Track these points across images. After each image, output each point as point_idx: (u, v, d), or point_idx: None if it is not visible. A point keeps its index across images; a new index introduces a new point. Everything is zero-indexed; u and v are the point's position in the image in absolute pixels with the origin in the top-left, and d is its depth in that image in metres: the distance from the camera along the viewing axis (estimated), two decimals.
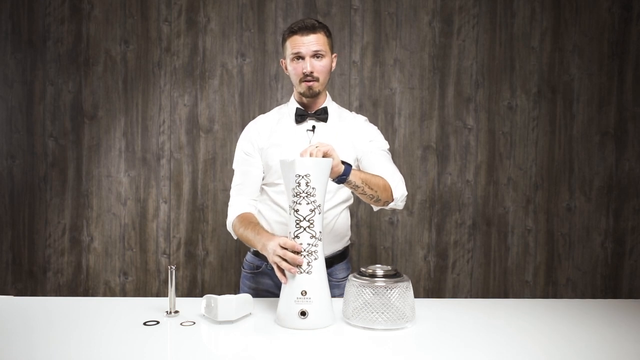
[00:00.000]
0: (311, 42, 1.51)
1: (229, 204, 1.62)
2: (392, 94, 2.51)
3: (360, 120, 1.67)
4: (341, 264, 1.66)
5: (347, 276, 1.66)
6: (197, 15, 2.50)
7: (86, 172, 2.52)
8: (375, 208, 1.55)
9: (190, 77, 2.51)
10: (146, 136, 2.52)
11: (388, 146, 1.64)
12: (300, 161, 1.20)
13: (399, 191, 1.50)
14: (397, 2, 2.49)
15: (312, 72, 1.51)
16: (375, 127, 1.67)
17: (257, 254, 1.65)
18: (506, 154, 2.51)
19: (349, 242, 1.71)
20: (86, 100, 2.51)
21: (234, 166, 1.66)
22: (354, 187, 1.39)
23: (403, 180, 1.54)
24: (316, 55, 1.52)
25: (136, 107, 2.52)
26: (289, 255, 1.22)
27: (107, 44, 2.50)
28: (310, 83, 1.53)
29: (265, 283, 1.64)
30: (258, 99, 2.51)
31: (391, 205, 1.51)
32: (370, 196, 1.43)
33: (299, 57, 1.52)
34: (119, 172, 2.52)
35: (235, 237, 1.60)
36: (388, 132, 2.50)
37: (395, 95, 2.51)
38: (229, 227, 1.60)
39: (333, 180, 1.34)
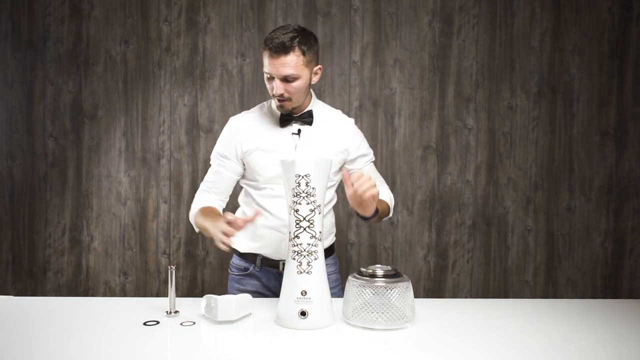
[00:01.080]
0: (282, 64, 1.40)
1: (196, 196, 1.60)
2: (392, 94, 2.51)
3: (351, 125, 1.64)
4: (329, 259, 1.68)
5: (336, 270, 1.72)
6: (197, 15, 2.50)
7: (86, 172, 2.52)
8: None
9: (190, 77, 2.51)
10: (146, 136, 2.52)
11: (373, 155, 1.73)
12: (300, 161, 1.20)
13: (392, 204, 1.67)
14: (397, 2, 2.49)
15: (282, 94, 1.45)
16: (362, 134, 1.69)
17: (242, 256, 1.65)
18: (506, 154, 2.51)
19: (335, 238, 1.73)
20: (86, 100, 2.51)
21: (211, 158, 1.63)
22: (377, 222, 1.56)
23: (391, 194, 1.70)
24: (287, 79, 1.43)
25: (136, 107, 2.52)
26: (224, 227, 1.25)
27: (107, 44, 2.50)
28: (282, 102, 1.48)
29: (252, 284, 1.64)
30: (258, 99, 2.51)
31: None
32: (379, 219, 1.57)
33: (270, 76, 1.45)
34: (119, 172, 2.52)
35: (197, 230, 1.57)
36: (388, 132, 2.50)
37: (395, 95, 2.51)
38: (191, 219, 1.56)
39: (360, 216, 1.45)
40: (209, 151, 2.51)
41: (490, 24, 2.49)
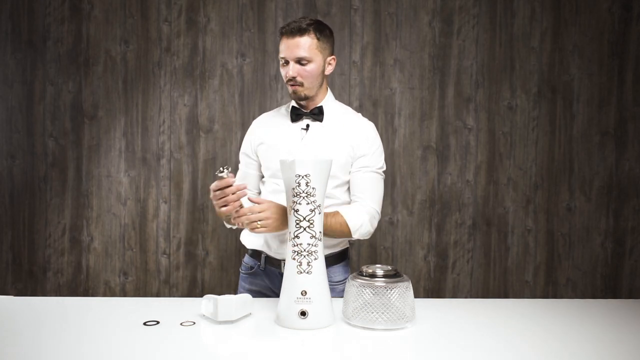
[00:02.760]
0: (295, 46, 1.46)
1: None
2: (392, 94, 2.51)
3: (365, 125, 1.59)
4: (338, 266, 1.62)
5: (345, 280, 1.59)
6: (197, 15, 2.50)
7: (86, 172, 2.52)
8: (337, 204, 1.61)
9: (190, 77, 2.51)
10: (146, 136, 2.52)
11: (384, 167, 1.59)
12: (300, 161, 1.20)
13: (357, 235, 1.51)
14: (397, 2, 2.49)
15: (294, 77, 1.48)
16: (379, 141, 1.60)
17: (252, 255, 1.66)
18: (506, 154, 2.50)
19: (348, 244, 1.68)
20: (86, 100, 2.51)
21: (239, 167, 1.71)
22: None
23: (375, 214, 1.53)
24: (300, 61, 1.47)
25: (136, 107, 2.52)
26: (217, 194, 1.31)
27: (107, 44, 2.50)
28: (294, 87, 1.51)
29: (258, 284, 1.64)
30: (258, 99, 2.51)
31: (352, 239, 1.57)
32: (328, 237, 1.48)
33: (285, 61, 1.49)
34: (119, 172, 2.52)
35: (228, 226, 1.60)
36: (388, 132, 2.50)
37: (395, 95, 2.51)
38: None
39: None
40: (209, 151, 2.51)
41: (490, 24, 2.49)
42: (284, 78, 1.53)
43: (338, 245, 1.62)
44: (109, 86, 2.51)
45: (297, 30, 1.45)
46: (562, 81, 2.49)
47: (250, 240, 1.66)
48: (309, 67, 1.48)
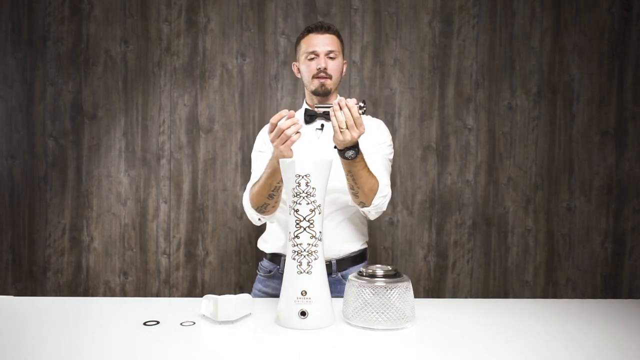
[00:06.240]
0: (326, 41, 1.57)
1: (245, 192, 1.62)
2: (392, 94, 2.51)
3: (375, 121, 1.72)
4: (358, 267, 1.67)
5: None
6: (197, 15, 2.50)
7: (86, 172, 2.52)
8: (350, 203, 1.59)
9: (190, 77, 2.51)
10: (146, 136, 2.52)
11: (391, 156, 1.66)
12: (300, 161, 1.20)
13: (378, 201, 1.50)
14: (397, 2, 2.49)
15: (325, 69, 1.56)
16: (389, 135, 1.69)
17: (271, 259, 1.69)
18: (506, 154, 2.50)
19: (367, 244, 1.73)
20: (86, 100, 2.51)
21: (252, 169, 1.70)
22: (345, 171, 1.44)
23: (388, 196, 1.54)
24: (330, 55, 1.57)
25: (136, 107, 2.52)
26: (282, 126, 1.31)
27: (107, 44, 2.50)
28: (323, 80, 1.57)
29: (273, 287, 1.68)
30: (258, 99, 2.51)
31: (364, 209, 1.54)
32: (350, 187, 1.47)
33: (314, 54, 1.57)
34: (119, 172, 2.52)
35: (256, 215, 1.56)
36: None
37: (395, 95, 2.51)
38: (246, 203, 1.58)
39: (338, 149, 1.38)
40: (209, 151, 2.51)
41: (490, 24, 2.49)
42: (309, 72, 1.58)
43: (355, 242, 1.65)
44: (109, 86, 2.51)
45: (327, 28, 1.59)
46: (562, 81, 2.49)
47: (269, 245, 1.70)
48: (337, 61, 1.59)
